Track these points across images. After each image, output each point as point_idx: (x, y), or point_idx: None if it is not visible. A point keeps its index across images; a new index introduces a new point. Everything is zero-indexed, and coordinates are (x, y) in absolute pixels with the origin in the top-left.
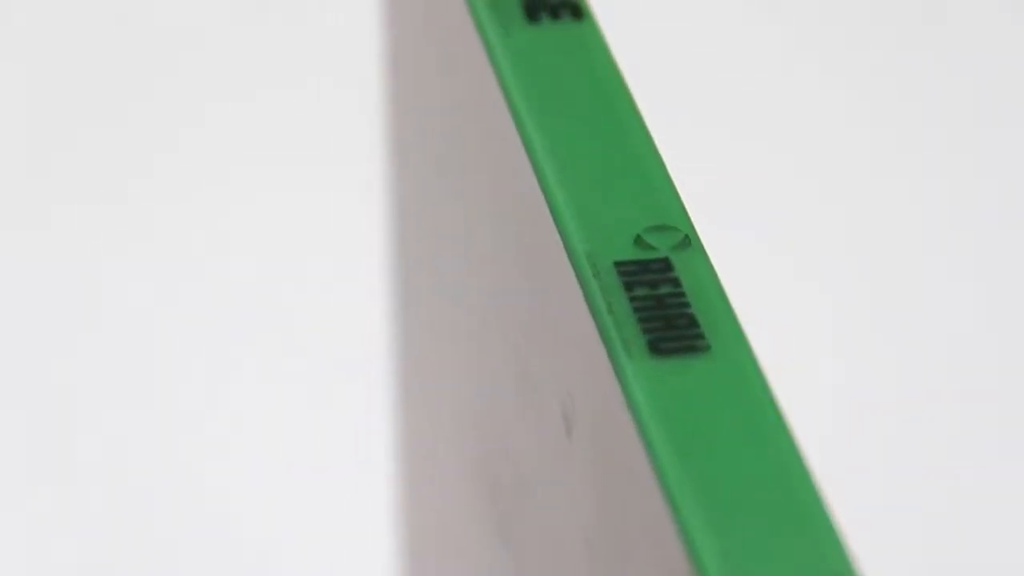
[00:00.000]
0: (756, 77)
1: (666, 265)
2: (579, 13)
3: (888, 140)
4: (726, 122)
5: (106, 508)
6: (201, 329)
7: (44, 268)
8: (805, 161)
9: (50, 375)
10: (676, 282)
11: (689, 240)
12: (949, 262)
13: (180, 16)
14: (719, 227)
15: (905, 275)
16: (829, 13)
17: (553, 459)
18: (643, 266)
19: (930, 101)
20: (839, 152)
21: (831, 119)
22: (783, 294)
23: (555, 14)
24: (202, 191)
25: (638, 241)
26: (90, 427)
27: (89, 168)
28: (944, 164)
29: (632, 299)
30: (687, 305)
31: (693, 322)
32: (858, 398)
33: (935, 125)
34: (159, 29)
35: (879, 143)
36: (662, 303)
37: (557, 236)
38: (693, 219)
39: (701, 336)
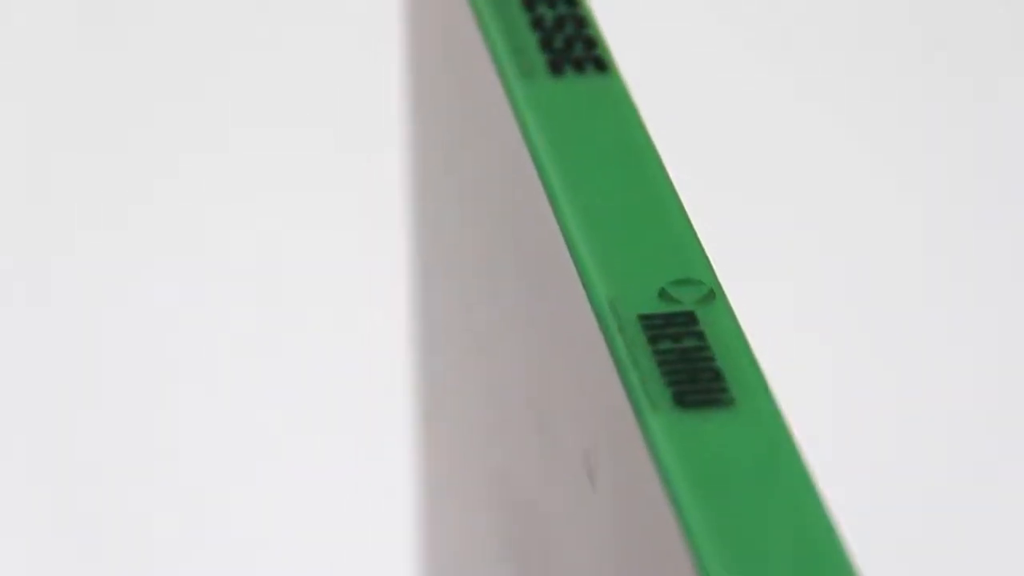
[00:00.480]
0: (777, 130)
1: (691, 318)
2: (603, 66)
3: (910, 202)
4: (748, 173)
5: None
6: (224, 364)
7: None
8: (823, 217)
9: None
10: (701, 335)
11: (714, 294)
12: (965, 326)
13: (196, 35)
14: (740, 279)
15: (919, 326)
16: (853, 66)
17: (576, 510)
18: (668, 319)
19: (955, 161)
20: (859, 206)
21: (854, 173)
22: (802, 345)
23: (579, 67)
24: (217, 210)
25: (663, 294)
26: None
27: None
28: (967, 224)
29: (656, 352)
30: (712, 359)
31: (718, 375)
32: (879, 451)
33: (959, 188)
34: (172, 46)
35: (901, 201)
36: (687, 356)
37: (581, 288)
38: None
39: (726, 389)
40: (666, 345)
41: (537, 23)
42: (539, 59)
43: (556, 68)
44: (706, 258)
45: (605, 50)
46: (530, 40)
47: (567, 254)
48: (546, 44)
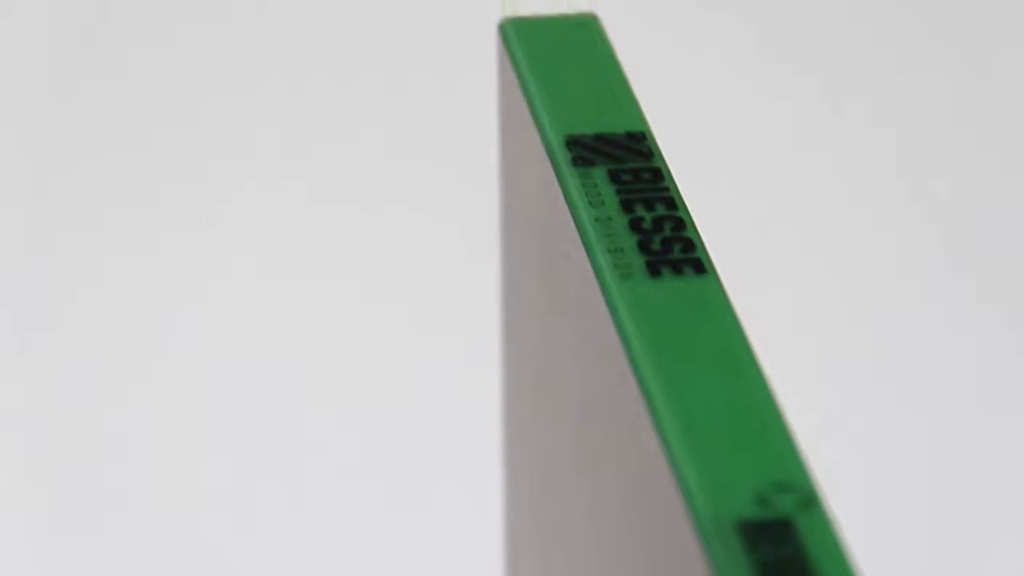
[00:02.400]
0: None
1: (788, 526)
2: (702, 269)
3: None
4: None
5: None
6: (303, 448)
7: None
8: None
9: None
10: (798, 544)
11: (812, 500)
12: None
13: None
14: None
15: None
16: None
17: None
18: (765, 527)
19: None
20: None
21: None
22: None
23: (677, 270)
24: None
25: (760, 500)
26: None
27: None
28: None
29: (754, 561)
30: (809, 568)
31: None
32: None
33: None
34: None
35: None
36: (784, 564)
37: (678, 492)
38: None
39: None
40: (764, 553)
41: (635, 225)
42: (637, 261)
43: (654, 270)
44: (804, 462)
45: (703, 252)
46: (628, 242)
47: (663, 455)
48: (644, 246)
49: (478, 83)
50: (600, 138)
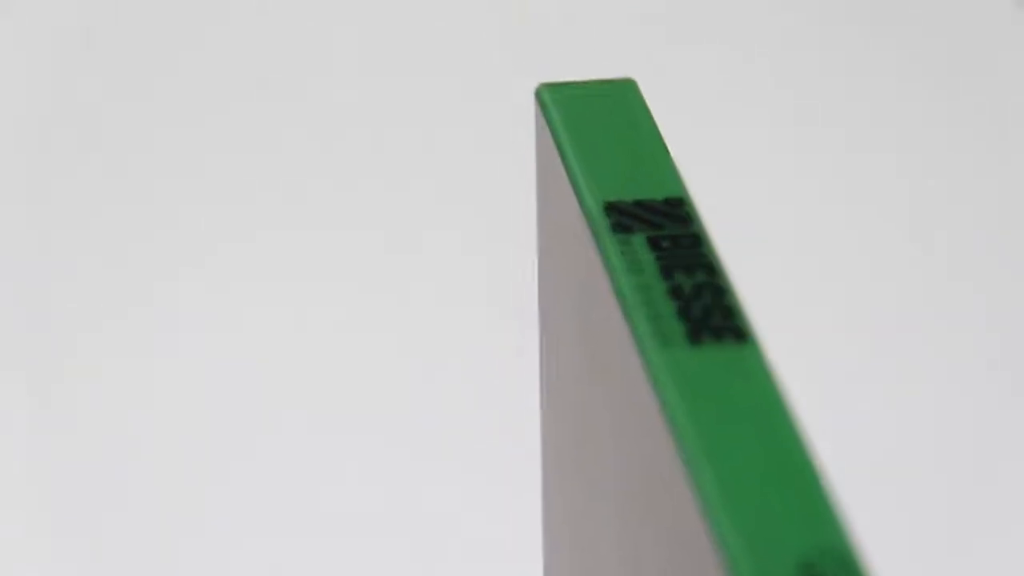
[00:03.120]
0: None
1: None
2: (742, 335)
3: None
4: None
5: None
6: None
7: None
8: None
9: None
10: None
11: (854, 566)
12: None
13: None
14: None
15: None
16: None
17: None
18: None
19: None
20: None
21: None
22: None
23: (718, 336)
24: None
25: (804, 568)
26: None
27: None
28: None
29: None
30: None
31: None
32: None
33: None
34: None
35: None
36: None
37: (720, 562)
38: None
39: None
40: None
41: (675, 292)
42: (677, 328)
43: (695, 337)
44: (847, 530)
45: (743, 319)
46: (668, 308)
47: (704, 524)
48: (684, 313)
49: (515, 148)
50: (639, 204)
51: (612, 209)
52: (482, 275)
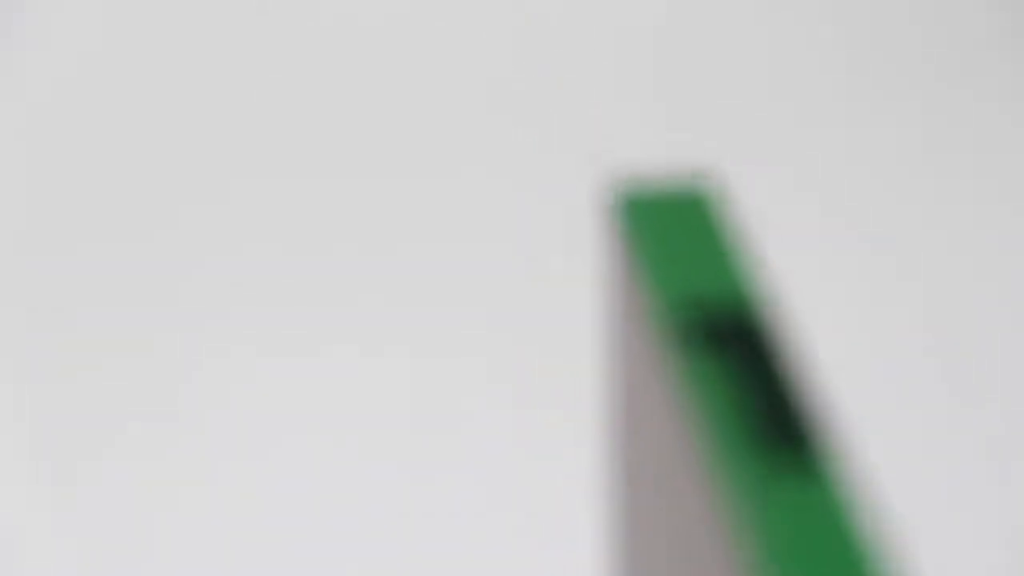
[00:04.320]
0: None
1: None
2: (821, 449)
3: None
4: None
5: None
6: None
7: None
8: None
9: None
10: None
11: None
12: None
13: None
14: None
15: None
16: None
17: None
18: None
19: None
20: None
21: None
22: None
23: (796, 449)
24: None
25: None
26: None
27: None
28: None
29: None
30: None
31: None
32: None
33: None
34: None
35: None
36: None
37: None
38: None
39: None
40: None
41: (751, 405)
42: (754, 441)
43: (770, 450)
44: None
45: (823, 434)
46: (744, 422)
47: None
48: (761, 427)
49: (584, 251)
50: (715, 315)
51: (687, 320)
52: (546, 377)
